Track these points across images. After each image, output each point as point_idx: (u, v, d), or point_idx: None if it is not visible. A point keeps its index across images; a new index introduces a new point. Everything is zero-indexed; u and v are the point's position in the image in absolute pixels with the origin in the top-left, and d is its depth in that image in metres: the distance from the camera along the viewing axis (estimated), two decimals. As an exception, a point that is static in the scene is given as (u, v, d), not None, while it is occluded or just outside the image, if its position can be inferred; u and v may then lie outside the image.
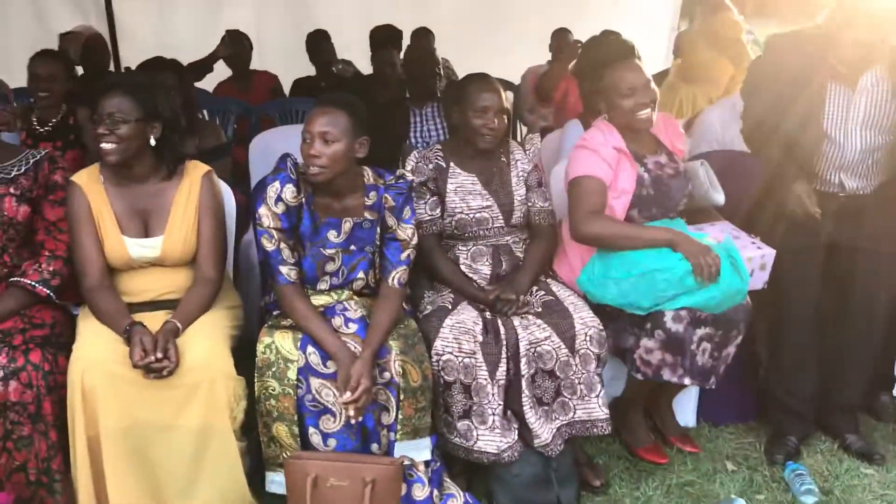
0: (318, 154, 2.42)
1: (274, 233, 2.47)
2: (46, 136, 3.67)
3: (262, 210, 2.46)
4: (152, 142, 2.48)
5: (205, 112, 4.83)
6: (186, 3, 6.09)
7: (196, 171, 2.61)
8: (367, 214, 2.59)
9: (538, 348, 2.60)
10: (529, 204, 2.90)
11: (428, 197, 2.82)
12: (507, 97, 2.86)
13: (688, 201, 2.90)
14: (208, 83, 5.36)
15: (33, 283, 2.45)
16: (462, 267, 2.81)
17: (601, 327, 2.63)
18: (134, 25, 6.00)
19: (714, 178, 2.95)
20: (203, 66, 5.12)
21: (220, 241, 2.60)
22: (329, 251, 2.56)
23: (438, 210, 2.82)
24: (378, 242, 2.62)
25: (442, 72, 4.17)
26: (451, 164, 2.85)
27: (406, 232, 2.61)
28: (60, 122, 3.70)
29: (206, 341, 2.39)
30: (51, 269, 2.48)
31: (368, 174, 2.62)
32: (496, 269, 2.81)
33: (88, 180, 2.50)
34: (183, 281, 2.55)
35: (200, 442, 2.33)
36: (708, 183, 2.92)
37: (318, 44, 5.49)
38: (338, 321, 2.50)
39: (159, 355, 2.26)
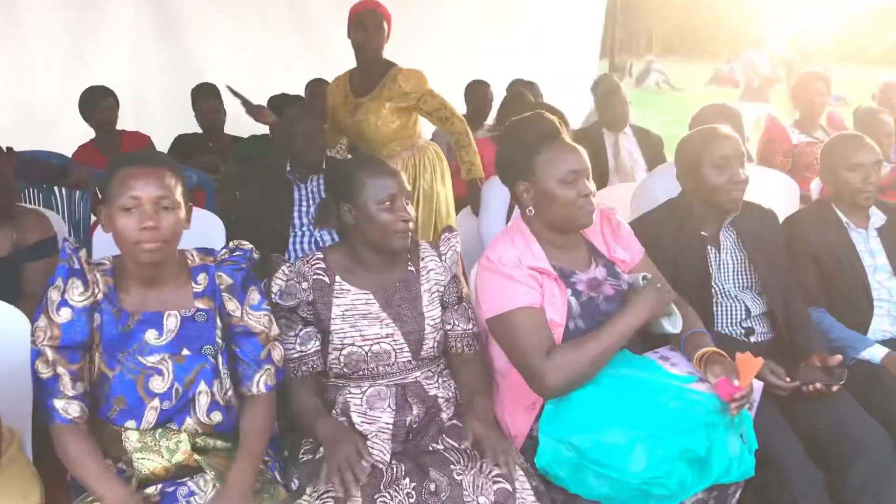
0: (157, 226, 1.79)
1: (49, 353, 1.79)
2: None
3: (40, 322, 1.81)
4: None
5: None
6: (45, 53, 5.23)
7: None
8: (198, 304, 1.92)
9: None
10: (448, 327, 2.20)
11: (299, 328, 2.12)
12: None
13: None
14: (67, 146, 4.56)
15: None
16: (355, 416, 2.08)
17: None
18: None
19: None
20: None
21: None
22: (151, 359, 1.85)
23: (312, 344, 2.11)
24: (221, 340, 1.92)
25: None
26: (338, 278, 2.15)
27: (260, 321, 1.96)
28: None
29: None
30: None
31: (193, 255, 1.99)
32: (402, 415, 2.08)
33: None
34: None
35: None
36: None
37: (205, 98, 4.74)
38: None
39: None
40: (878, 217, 2.69)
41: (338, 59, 5.92)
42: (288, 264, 2.15)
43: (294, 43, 5.96)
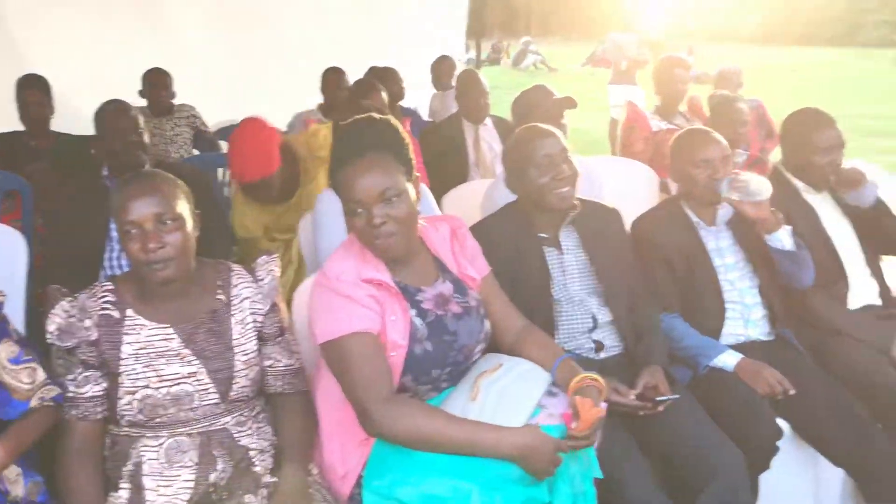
0: None
1: None
2: None
3: None
4: None
5: None
6: None
7: None
8: None
9: None
10: (267, 364, 1.95)
11: (78, 371, 1.82)
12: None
13: (486, 346, 2.02)
14: None
15: None
16: (148, 480, 1.78)
17: None
18: None
19: None
20: None
21: None
22: None
23: (88, 388, 1.81)
24: None
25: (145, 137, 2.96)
26: (129, 311, 1.85)
27: (19, 377, 1.75)
28: None
29: None
30: None
31: None
32: (205, 471, 1.80)
33: None
34: None
35: None
36: None
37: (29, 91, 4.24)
38: None
39: None
40: (726, 210, 2.59)
41: (186, 47, 5.58)
42: (69, 299, 1.83)
43: (137, 30, 5.51)
